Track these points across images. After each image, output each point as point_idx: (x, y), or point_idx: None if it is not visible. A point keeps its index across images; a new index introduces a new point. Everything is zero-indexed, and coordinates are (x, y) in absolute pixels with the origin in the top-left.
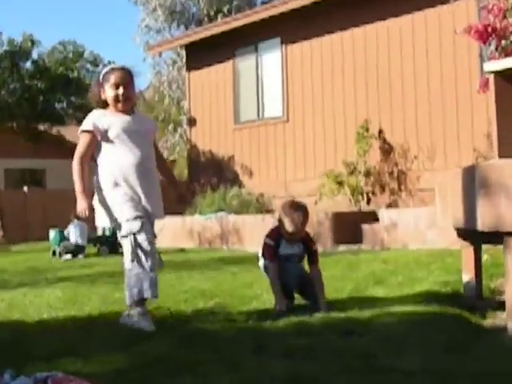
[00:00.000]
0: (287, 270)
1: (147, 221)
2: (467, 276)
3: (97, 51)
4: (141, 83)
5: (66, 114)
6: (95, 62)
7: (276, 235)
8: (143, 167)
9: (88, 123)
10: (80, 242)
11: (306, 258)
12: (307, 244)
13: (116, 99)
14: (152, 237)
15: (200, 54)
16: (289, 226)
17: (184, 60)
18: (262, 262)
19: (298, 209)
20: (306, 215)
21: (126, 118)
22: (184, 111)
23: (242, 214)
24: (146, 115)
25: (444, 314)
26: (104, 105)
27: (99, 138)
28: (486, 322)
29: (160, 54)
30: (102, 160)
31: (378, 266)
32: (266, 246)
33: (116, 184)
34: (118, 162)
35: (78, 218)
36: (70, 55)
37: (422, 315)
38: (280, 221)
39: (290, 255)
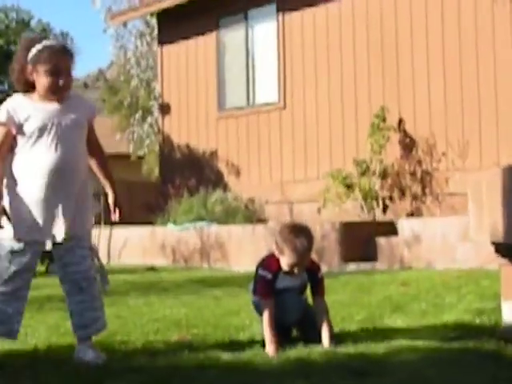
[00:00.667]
0: (286, 303)
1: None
2: (507, 302)
3: (46, 19)
4: (101, 60)
5: (7, 96)
6: (44, 32)
7: (275, 267)
8: (62, 171)
9: (2, 113)
10: None
11: (308, 288)
12: (311, 271)
13: (51, 89)
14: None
15: (175, 25)
16: (291, 257)
17: (155, 32)
18: (254, 299)
19: (300, 234)
20: (310, 241)
21: (54, 108)
22: (155, 95)
23: (226, 224)
24: (83, 98)
25: (478, 350)
26: (28, 87)
27: (14, 131)
28: None
29: (125, 24)
30: (15, 158)
31: (396, 289)
32: (261, 280)
33: (18, 189)
34: (29, 164)
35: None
36: (13, 24)
37: (451, 352)
38: (278, 249)
39: (290, 287)
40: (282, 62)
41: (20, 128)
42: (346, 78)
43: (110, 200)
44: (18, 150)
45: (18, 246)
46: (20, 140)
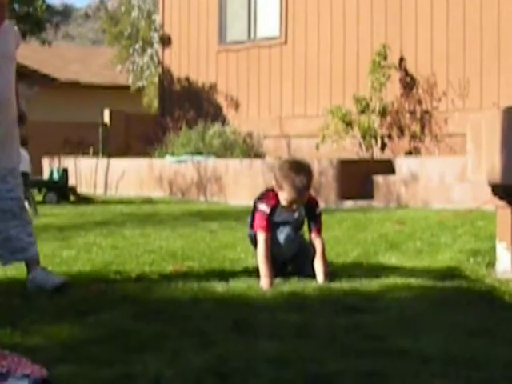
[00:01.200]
0: (281, 237)
1: None
2: (502, 244)
3: None
4: None
5: None
6: None
7: (273, 201)
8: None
9: None
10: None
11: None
12: (309, 207)
13: None
14: None
15: None
16: (289, 193)
17: None
18: (250, 232)
19: (300, 171)
20: (310, 179)
21: None
22: (156, 27)
23: (224, 158)
24: (10, 24)
25: (471, 290)
26: None
27: None
28: None
29: None
30: None
31: (391, 227)
32: (259, 214)
33: None
34: None
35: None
36: None
37: (444, 291)
38: (277, 185)
39: (287, 222)
40: None
41: None
42: (348, 14)
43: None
44: None
45: None
46: None
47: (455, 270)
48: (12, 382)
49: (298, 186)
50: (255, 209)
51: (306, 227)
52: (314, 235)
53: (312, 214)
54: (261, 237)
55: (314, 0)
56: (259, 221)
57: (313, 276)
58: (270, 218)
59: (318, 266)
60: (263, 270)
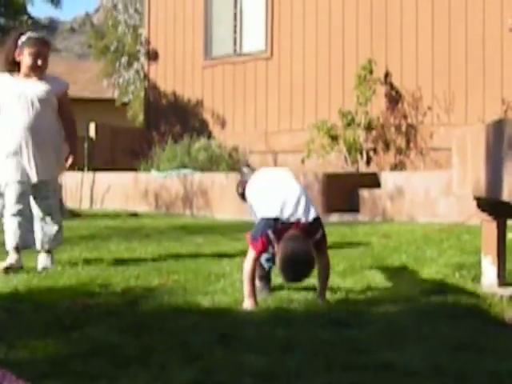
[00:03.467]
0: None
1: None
2: (487, 258)
3: None
4: (89, 4)
5: None
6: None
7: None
8: (31, 131)
9: None
10: None
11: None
12: (310, 233)
13: (32, 68)
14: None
15: None
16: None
17: None
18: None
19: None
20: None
21: (31, 82)
22: (142, 41)
23: (210, 172)
24: (57, 77)
25: (457, 303)
26: (13, 66)
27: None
28: (509, 315)
29: None
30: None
31: (377, 241)
32: (262, 234)
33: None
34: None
35: None
36: None
37: (430, 304)
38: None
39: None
40: (270, 10)
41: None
42: (333, 29)
43: (69, 160)
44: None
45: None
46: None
47: (441, 284)
48: None
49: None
50: (261, 224)
51: None
52: (319, 255)
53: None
54: (251, 254)
55: (300, 15)
56: (257, 238)
57: None
58: (270, 244)
59: (320, 280)
60: (247, 289)
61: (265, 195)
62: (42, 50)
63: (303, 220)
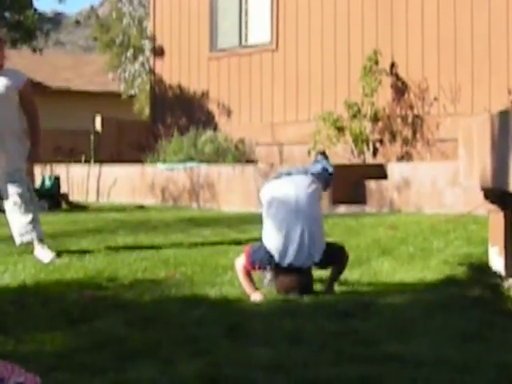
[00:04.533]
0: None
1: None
2: (494, 248)
3: None
4: None
5: None
6: None
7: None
8: None
9: None
10: None
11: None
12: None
13: None
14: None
15: None
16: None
17: None
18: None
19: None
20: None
21: None
22: (147, 34)
23: (216, 164)
24: (17, 70)
25: (464, 294)
26: None
27: None
28: None
29: None
30: None
31: (384, 232)
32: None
33: None
34: None
35: None
36: None
37: (437, 295)
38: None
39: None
40: (275, 2)
41: None
42: (339, 20)
43: (30, 159)
44: None
45: None
46: None
47: (448, 275)
48: None
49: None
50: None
51: None
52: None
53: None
54: (240, 261)
55: (305, 6)
56: (254, 264)
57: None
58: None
59: (332, 272)
60: (246, 286)
61: (272, 225)
62: None
63: (307, 265)
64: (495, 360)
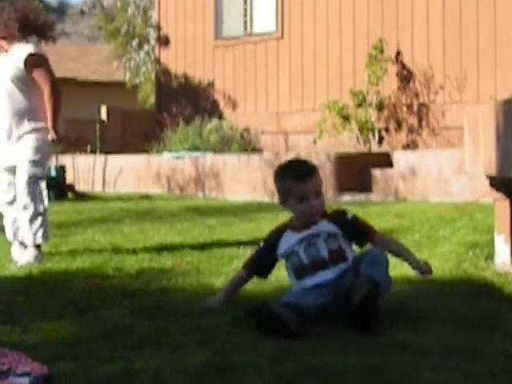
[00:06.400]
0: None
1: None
2: (500, 236)
3: None
4: None
5: None
6: None
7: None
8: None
9: None
10: None
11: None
12: (336, 219)
13: None
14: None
15: None
16: (296, 189)
17: None
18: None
19: (303, 177)
20: (309, 166)
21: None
22: (152, 23)
23: (222, 153)
24: (24, 46)
25: (470, 282)
26: None
27: None
28: None
29: None
30: None
31: (390, 221)
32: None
33: None
34: None
35: None
36: None
37: (443, 283)
38: (282, 196)
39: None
40: None
41: None
42: (344, 8)
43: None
44: None
45: None
46: None
47: (454, 264)
48: (13, 379)
49: (297, 174)
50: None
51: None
52: (370, 241)
53: (345, 225)
54: (238, 273)
55: None
56: (251, 259)
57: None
58: (259, 255)
59: (404, 254)
60: (223, 290)
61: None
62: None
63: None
64: (502, 348)
